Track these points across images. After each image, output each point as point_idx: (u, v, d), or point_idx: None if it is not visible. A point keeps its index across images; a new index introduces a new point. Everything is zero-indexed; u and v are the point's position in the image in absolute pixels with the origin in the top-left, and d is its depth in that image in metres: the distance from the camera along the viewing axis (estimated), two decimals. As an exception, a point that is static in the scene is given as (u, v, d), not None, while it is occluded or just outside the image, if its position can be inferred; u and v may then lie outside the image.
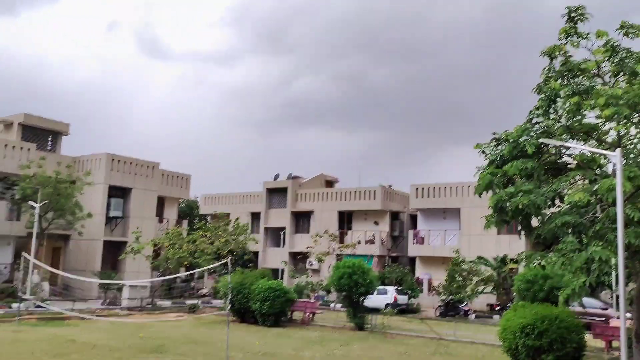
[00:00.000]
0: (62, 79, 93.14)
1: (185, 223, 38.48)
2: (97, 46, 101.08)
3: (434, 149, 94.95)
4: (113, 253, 31.82)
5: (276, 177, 45.12)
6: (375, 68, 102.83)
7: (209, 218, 45.68)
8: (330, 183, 46.27)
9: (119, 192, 32.74)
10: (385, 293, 30.24)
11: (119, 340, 15.79)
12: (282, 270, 39.14)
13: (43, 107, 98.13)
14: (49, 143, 33.59)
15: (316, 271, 37.17)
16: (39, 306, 22.49)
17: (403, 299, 31.02)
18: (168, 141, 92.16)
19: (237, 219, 35.09)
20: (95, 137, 77.04)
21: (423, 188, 37.24)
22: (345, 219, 41.39)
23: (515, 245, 31.31)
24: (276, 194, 44.16)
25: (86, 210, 29.48)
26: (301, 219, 42.94)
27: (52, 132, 33.58)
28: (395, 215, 40.81)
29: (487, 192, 12.16)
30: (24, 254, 22.85)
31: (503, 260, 30.14)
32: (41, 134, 33.00)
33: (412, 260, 38.29)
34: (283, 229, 41.98)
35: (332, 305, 29.99)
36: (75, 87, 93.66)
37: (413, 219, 40.19)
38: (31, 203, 25.56)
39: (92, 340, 15.38)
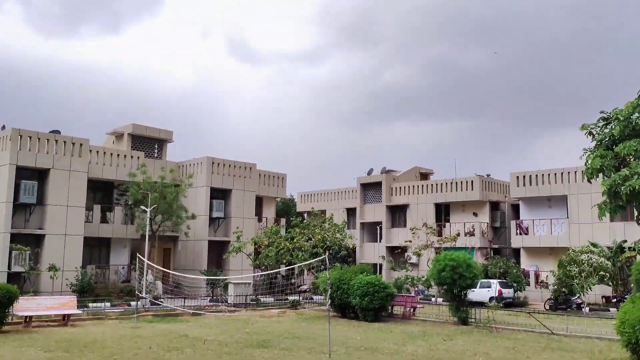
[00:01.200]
0: (163, 89, 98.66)
1: (283, 221, 39.42)
2: (193, 54, 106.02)
3: (533, 134, 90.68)
4: (217, 252, 33.25)
5: (370, 172, 45.04)
6: (465, 52, 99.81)
7: (305, 215, 46.51)
8: (425, 175, 45.49)
9: (220, 194, 34.14)
10: (489, 286, 29.30)
11: (226, 335, 16.47)
12: (380, 265, 39.04)
13: (149, 117, 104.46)
14: (156, 150, 35.68)
15: (415, 265, 36.71)
16: (154, 303, 23.99)
17: (508, 292, 29.90)
18: (262, 142, 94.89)
19: (331, 216, 35.45)
20: (195, 142, 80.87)
21: (524, 176, 35.65)
22: (443, 211, 40.54)
23: (631, 232, 29.19)
24: (370, 188, 44.12)
25: (191, 212, 31.07)
26: (397, 213, 42.62)
27: (157, 140, 35.62)
28: (495, 206, 39.38)
29: (598, 177, 11.37)
30: (138, 255, 24.46)
31: (620, 248, 28.15)
32: (148, 143, 35.12)
33: (516, 252, 36.77)
34: (379, 223, 41.85)
35: (433, 299, 29.50)
36: (176, 95, 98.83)
37: (515, 208, 38.58)
38: (142, 207, 27.28)
39: (203, 335, 16.15)
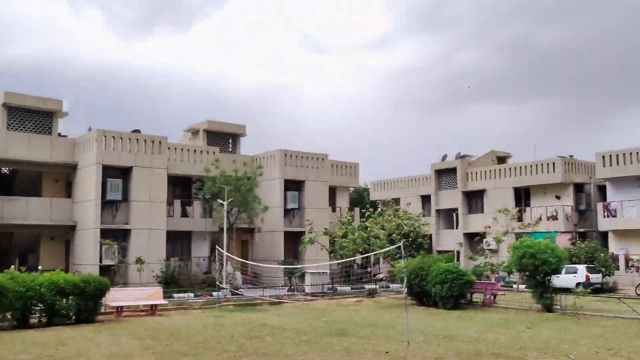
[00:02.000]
0: (235, 83, 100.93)
1: (357, 211, 39.41)
2: (263, 48, 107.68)
3: (617, 112, 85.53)
4: (293, 242, 33.74)
5: (444, 157, 44.13)
6: (542, 30, 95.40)
7: (379, 204, 46.29)
8: (502, 159, 44.00)
9: (293, 186, 34.56)
10: (575, 272, 28.06)
11: (304, 323, 16.70)
12: (458, 252, 38.25)
13: (223, 113, 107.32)
14: (230, 145, 36.61)
15: (494, 251, 35.68)
16: (234, 293, 24.73)
17: (596, 277, 28.49)
18: (334, 132, 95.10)
19: (408, 204, 35.08)
20: (269, 135, 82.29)
21: (611, 155, 33.75)
22: (522, 196, 39.11)
23: None
24: (445, 174, 43.25)
25: (266, 204, 31.71)
26: (473, 199, 41.56)
27: (232, 135, 36.54)
28: (579, 188, 37.54)
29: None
30: (217, 247, 25.27)
31: None
32: (223, 138, 36.10)
33: (604, 235, 34.93)
34: (455, 210, 40.98)
35: (514, 286, 28.60)
36: (248, 90, 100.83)
37: (601, 190, 36.60)
38: (220, 201, 28.11)
39: (282, 324, 16.46)
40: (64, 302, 16.51)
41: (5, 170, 29.80)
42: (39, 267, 24.12)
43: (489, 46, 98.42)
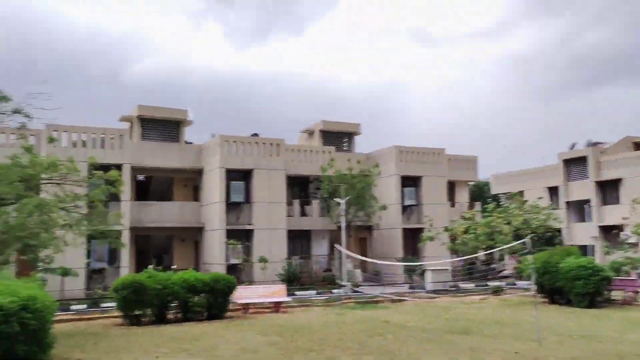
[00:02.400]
0: (349, 82, 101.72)
1: (477, 205, 37.99)
2: (375, 45, 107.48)
3: None
4: (412, 239, 33.26)
5: (572, 146, 41.29)
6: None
7: (501, 198, 44.30)
8: (639, 145, 40.24)
9: (410, 182, 34.06)
10: None
11: (426, 321, 16.34)
12: (593, 247, 35.52)
13: (337, 113, 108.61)
14: (345, 144, 36.90)
15: (634, 245, 32.65)
16: (355, 291, 24.84)
17: None
18: (451, 126, 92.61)
19: (540, 197, 33.18)
20: (383, 132, 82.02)
21: None
22: (666, 184, 35.50)
23: None
24: (574, 164, 40.39)
25: (383, 201, 31.56)
26: (607, 189, 38.39)
27: (346, 133, 36.83)
28: None
29: None
30: (336, 245, 25.56)
31: None
32: (338, 137, 36.48)
33: None
34: (587, 201, 38.13)
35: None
36: (361, 87, 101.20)
37: None
38: (337, 199, 28.41)
39: (403, 322, 16.23)
40: (196, 299, 17.48)
41: (141, 177, 32.31)
42: (173, 267, 25.87)
43: (616, 25, 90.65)
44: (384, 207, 31.20)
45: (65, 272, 21.60)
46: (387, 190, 33.27)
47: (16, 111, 14.09)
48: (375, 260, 28.08)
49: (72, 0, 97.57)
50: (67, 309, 19.78)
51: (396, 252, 32.50)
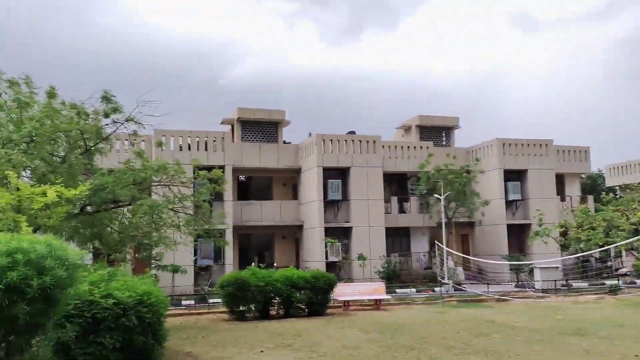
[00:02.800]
0: (445, 75, 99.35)
1: (590, 199, 35.66)
2: (472, 35, 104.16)
3: None
4: (518, 236, 31.85)
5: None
6: None
7: (617, 190, 41.31)
8: None
9: (514, 176, 32.62)
10: None
11: (536, 321, 15.53)
12: None
13: (435, 107, 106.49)
14: (443, 139, 36.05)
15: None
16: (456, 289, 24.17)
17: None
18: (558, 115, 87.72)
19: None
20: (485, 125, 79.24)
21: None
22: None
23: None
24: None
25: (485, 196, 30.47)
26: None
27: (444, 128, 35.98)
28: None
29: None
30: (436, 242, 25.01)
31: None
32: (436, 132, 35.73)
33: None
34: None
35: None
36: (459, 80, 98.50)
37: None
38: (436, 196, 27.80)
39: (510, 322, 15.54)
40: (298, 295, 17.79)
41: (242, 178, 33.45)
42: (275, 264, 26.50)
43: None
44: (486, 203, 30.11)
45: (175, 269, 22.81)
46: (490, 185, 32.07)
47: (128, 119, 15.05)
48: (477, 259, 27.18)
49: (170, 13, 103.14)
50: (178, 304, 20.86)
51: (500, 249, 31.24)
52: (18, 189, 9.07)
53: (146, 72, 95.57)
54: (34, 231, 9.00)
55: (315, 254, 28.76)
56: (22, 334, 6.22)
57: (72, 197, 9.67)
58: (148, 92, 14.29)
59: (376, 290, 20.60)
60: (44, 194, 9.05)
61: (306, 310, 17.91)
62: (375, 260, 28.39)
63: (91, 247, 16.54)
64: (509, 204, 32.23)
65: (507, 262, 27.98)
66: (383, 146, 31.20)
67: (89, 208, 15.00)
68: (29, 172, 13.04)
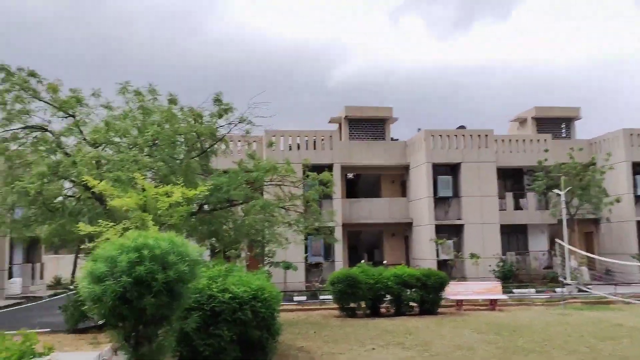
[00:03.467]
0: (563, 64, 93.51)
1: None
2: (594, 19, 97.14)
3: None
4: (650, 233, 29.27)
5: None
6: None
7: None
8: None
9: (643, 168, 30.03)
10: None
11: (673, 327, 14.16)
12: None
13: (552, 98, 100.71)
14: (563, 130, 33.96)
15: None
16: (580, 290, 22.64)
17: None
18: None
19: None
20: (607, 115, 73.74)
21: None
22: None
23: None
24: None
25: (611, 191, 28.36)
26: None
27: (563, 119, 33.93)
28: None
29: None
30: (557, 240, 23.57)
31: None
32: (554, 123, 33.77)
33: None
34: None
35: None
36: (580, 69, 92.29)
37: None
38: (556, 191, 26.22)
39: (642, 326, 14.31)
40: (408, 293, 17.57)
41: (350, 175, 33.66)
42: (384, 262, 26.39)
43: None
44: (617, 200, 27.89)
45: (287, 266, 23.43)
46: (616, 179, 29.72)
47: (241, 120, 15.68)
48: (603, 259, 25.26)
49: (275, 18, 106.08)
50: (290, 300, 21.40)
51: (629, 247, 28.87)
52: (144, 190, 9.73)
53: (254, 77, 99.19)
54: (158, 229, 9.64)
55: (426, 251, 28.27)
56: (149, 324, 6.66)
57: (192, 197, 10.21)
58: (258, 94, 14.83)
59: (491, 289, 19.83)
60: (168, 194, 9.64)
61: (417, 308, 17.67)
62: (489, 259, 27.35)
63: (208, 244, 17.41)
64: (638, 199, 29.68)
65: (638, 263, 25.74)
66: (496, 140, 29.98)
67: (205, 207, 15.81)
68: (152, 173, 13.97)
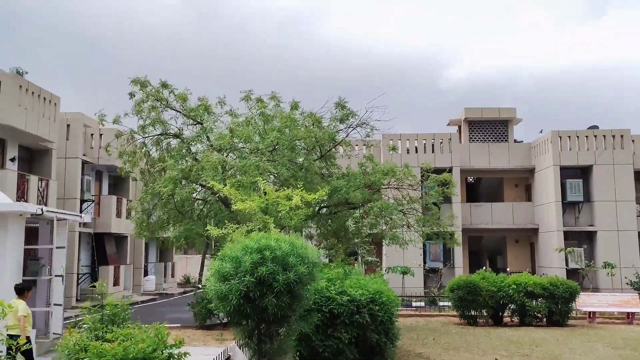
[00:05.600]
0: None
1: None
2: None
3: None
4: None
5: None
6: None
7: None
8: None
9: None
10: None
11: None
12: None
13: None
14: None
15: None
16: None
17: None
18: None
19: None
20: None
21: None
22: None
23: None
24: None
25: None
26: None
27: None
28: None
29: None
30: None
31: None
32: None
33: None
34: None
35: None
36: None
37: None
38: None
39: None
40: (534, 303, 16.68)
41: (470, 179, 32.58)
42: (507, 269, 25.20)
43: None
44: None
45: (404, 271, 23.17)
46: None
47: (359, 124, 15.82)
48: None
49: (386, 26, 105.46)
50: (409, 305, 21.13)
51: None
52: (265, 193, 10.09)
53: (369, 81, 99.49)
54: (279, 231, 9.96)
55: (553, 259, 26.60)
56: (271, 323, 6.88)
57: (312, 200, 10.43)
58: (376, 98, 14.92)
59: (628, 302, 18.28)
60: (289, 197, 9.94)
61: (544, 319, 16.75)
62: (627, 269, 25.13)
63: (326, 245, 17.70)
64: None
65: None
66: (633, 140, 27.54)
67: (324, 210, 16.09)
68: (272, 177, 14.49)
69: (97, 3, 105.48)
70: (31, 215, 10.87)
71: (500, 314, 16.99)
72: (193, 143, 16.00)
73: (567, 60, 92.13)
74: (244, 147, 15.08)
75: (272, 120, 15.24)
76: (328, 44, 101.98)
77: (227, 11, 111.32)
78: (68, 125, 22.89)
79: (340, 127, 15.94)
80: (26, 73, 21.39)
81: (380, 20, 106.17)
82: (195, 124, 16.08)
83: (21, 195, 17.99)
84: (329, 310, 8.85)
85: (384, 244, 17.43)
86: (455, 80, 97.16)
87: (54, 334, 11.36)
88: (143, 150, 16.04)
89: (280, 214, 9.76)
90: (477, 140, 30.53)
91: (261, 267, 6.53)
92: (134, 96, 15.63)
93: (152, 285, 29.54)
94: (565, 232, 26.43)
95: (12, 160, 19.21)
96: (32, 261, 11.58)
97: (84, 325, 6.73)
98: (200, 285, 29.81)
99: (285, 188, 10.93)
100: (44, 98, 19.72)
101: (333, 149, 16.48)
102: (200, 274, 34.27)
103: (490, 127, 30.64)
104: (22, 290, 8.92)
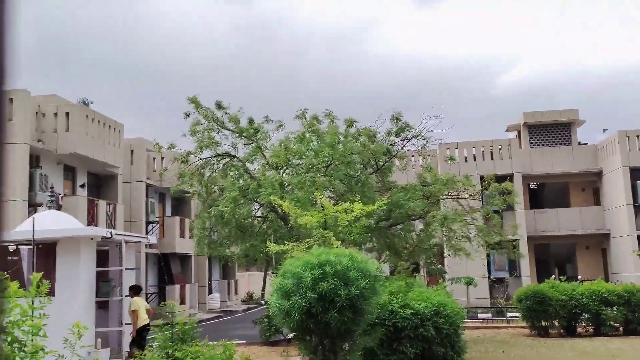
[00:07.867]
0: None
1: None
2: None
3: None
4: None
5: None
6: None
7: None
8: None
9: None
10: None
11: None
12: None
13: None
14: None
15: None
16: None
17: None
18: None
19: None
20: None
21: None
22: None
23: None
24: None
25: None
26: None
27: None
28: None
29: None
30: None
31: None
32: None
33: None
34: None
35: None
36: None
37: None
38: None
39: None
40: (609, 312, 15.90)
41: (533, 185, 31.58)
42: (578, 277, 24.16)
43: None
44: None
45: (468, 282, 22.64)
46: None
47: (414, 136, 15.72)
48: None
49: (435, 31, 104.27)
50: (475, 317, 20.57)
51: None
52: (324, 208, 10.14)
53: (417, 94, 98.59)
54: (340, 244, 9.96)
55: (628, 265, 25.33)
56: (334, 338, 6.87)
57: (370, 212, 10.39)
58: (430, 109, 14.77)
59: None
60: (347, 210, 9.94)
61: (621, 328, 15.89)
62: None
63: (387, 258, 17.52)
64: None
65: None
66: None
67: (383, 222, 15.97)
68: (329, 192, 14.55)
69: (155, 31, 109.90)
70: (101, 238, 11.32)
71: (574, 323, 16.27)
72: (249, 162, 16.30)
73: (624, 60, 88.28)
74: (299, 164, 15.25)
75: (325, 137, 15.36)
76: (377, 58, 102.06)
77: (278, 35, 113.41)
78: (132, 151, 23.82)
79: (395, 140, 15.88)
80: (91, 103, 22.49)
81: (428, 32, 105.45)
82: (250, 143, 16.38)
83: (91, 219, 18.82)
84: (392, 324, 8.75)
85: (445, 255, 17.09)
86: (507, 87, 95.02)
87: (126, 352, 11.73)
88: (200, 171, 16.48)
89: (339, 229, 9.76)
90: (538, 145, 29.61)
91: (322, 282, 6.54)
92: (189, 115, 16.06)
93: (217, 302, 30.08)
94: (639, 237, 25.15)
95: (82, 186, 20.15)
96: (104, 283, 12.03)
97: (155, 344, 6.93)
98: (263, 302, 30.12)
99: (343, 202, 10.94)
100: (109, 126, 20.64)
101: (389, 162, 16.39)
102: (263, 291, 34.64)
103: (552, 131, 29.67)
104: (137, 290, 11.69)
